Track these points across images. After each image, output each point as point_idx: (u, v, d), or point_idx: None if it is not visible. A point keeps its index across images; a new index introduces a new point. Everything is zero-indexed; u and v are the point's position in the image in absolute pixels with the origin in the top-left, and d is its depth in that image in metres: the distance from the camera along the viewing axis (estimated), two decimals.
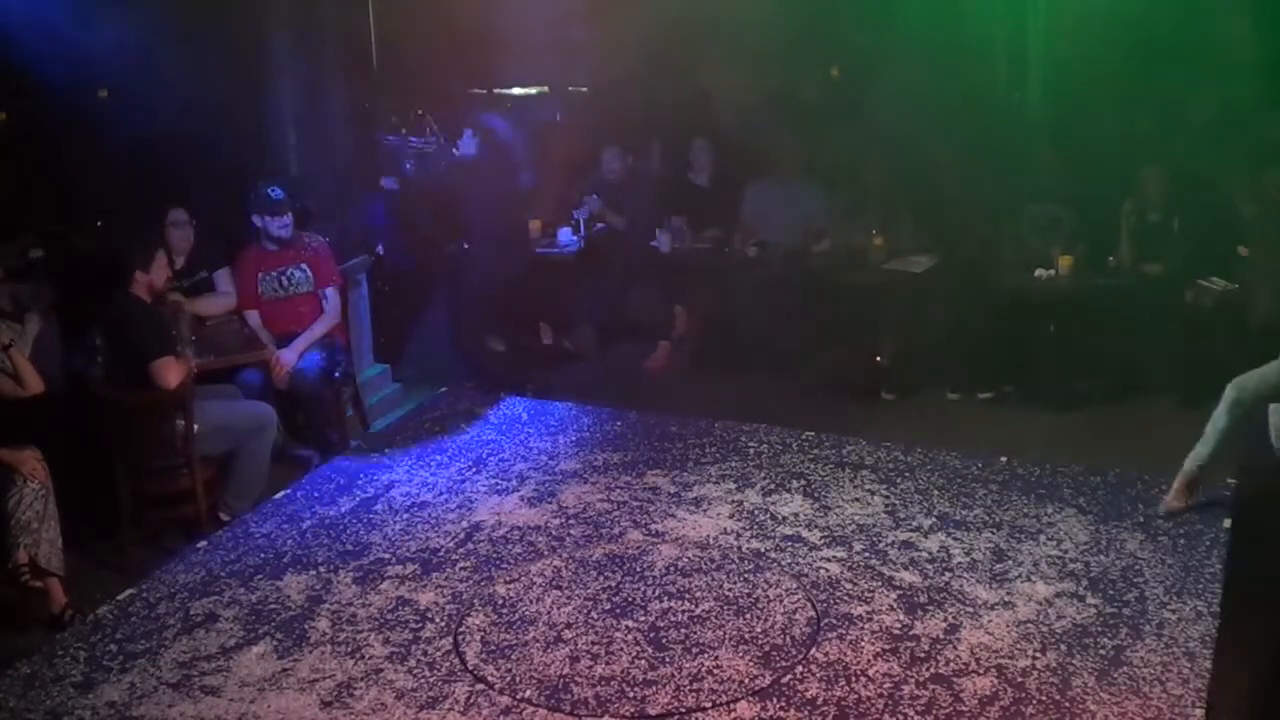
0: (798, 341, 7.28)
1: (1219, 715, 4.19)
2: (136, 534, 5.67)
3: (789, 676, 4.44)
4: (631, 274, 7.97)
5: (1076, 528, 5.48)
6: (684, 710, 4.29)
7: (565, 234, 8.16)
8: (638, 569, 5.27)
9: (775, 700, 4.30)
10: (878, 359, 7.50)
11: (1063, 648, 4.55)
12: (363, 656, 4.69)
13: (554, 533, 5.64)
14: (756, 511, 5.76)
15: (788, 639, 4.69)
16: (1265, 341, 5.71)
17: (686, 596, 5.02)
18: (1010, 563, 5.20)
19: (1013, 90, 8.21)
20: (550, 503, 5.94)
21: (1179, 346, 6.80)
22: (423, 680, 4.52)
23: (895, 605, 4.89)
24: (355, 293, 7.38)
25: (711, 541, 5.50)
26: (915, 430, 6.66)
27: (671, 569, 5.26)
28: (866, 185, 7.77)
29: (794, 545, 5.42)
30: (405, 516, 5.87)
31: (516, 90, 9.53)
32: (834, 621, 4.79)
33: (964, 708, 4.22)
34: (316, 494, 6.15)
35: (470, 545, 5.56)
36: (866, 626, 4.74)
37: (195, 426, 5.61)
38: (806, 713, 4.23)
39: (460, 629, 4.86)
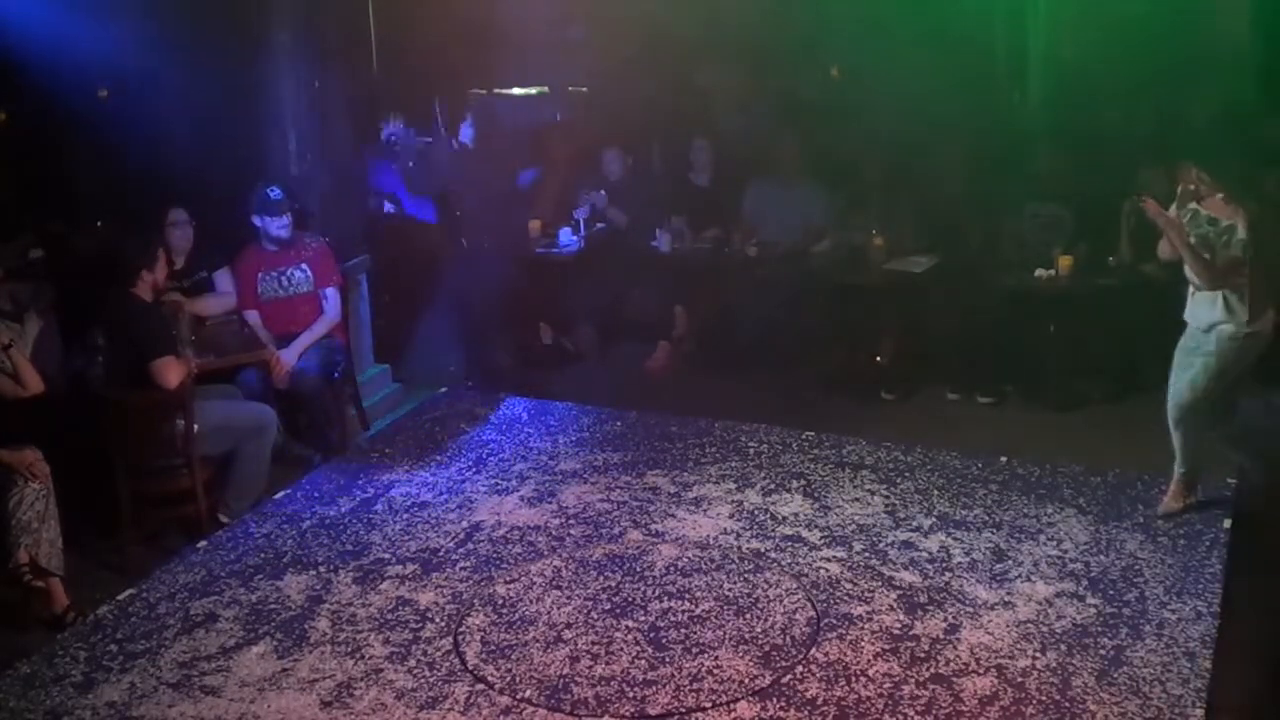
0: (797, 341, 7.29)
1: (1219, 715, 4.19)
2: (136, 534, 5.67)
3: (789, 676, 4.44)
4: (631, 274, 7.96)
5: (1076, 528, 5.48)
6: (684, 710, 4.29)
7: (565, 234, 8.15)
8: (638, 569, 5.27)
9: (775, 700, 4.31)
10: (878, 359, 7.50)
11: (1063, 648, 4.55)
12: (363, 656, 4.69)
13: (554, 533, 5.64)
14: (756, 511, 5.76)
15: (788, 639, 4.69)
16: None
17: (686, 596, 5.02)
18: (1010, 563, 5.20)
19: (1013, 90, 8.21)
20: (550, 503, 5.94)
21: None
22: (423, 680, 4.52)
23: (895, 605, 4.89)
24: (355, 293, 7.37)
25: (711, 541, 5.50)
26: (915, 430, 6.66)
27: (671, 569, 5.26)
28: (866, 185, 7.77)
29: (794, 545, 5.42)
30: (405, 516, 5.87)
31: (516, 90, 9.53)
32: (834, 621, 4.79)
33: (964, 708, 4.22)
34: (316, 494, 6.15)
35: (470, 545, 5.56)
36: (866, 626, 4.74)
37: (195, 426, 5.62)
38: (806, 713, 4.23)
39: (460, 629, 4.86)
